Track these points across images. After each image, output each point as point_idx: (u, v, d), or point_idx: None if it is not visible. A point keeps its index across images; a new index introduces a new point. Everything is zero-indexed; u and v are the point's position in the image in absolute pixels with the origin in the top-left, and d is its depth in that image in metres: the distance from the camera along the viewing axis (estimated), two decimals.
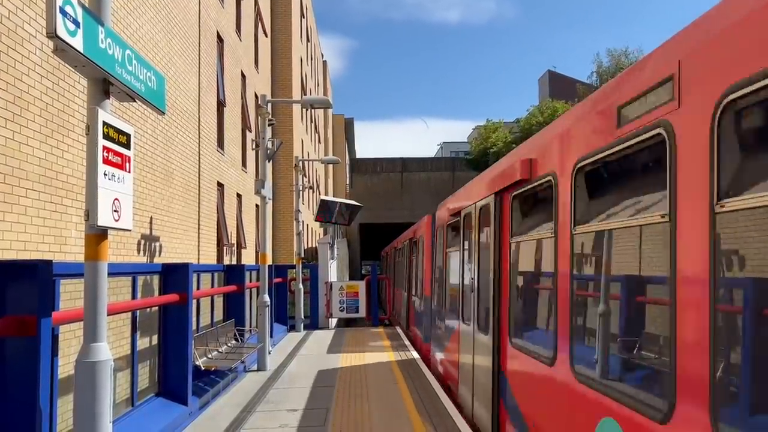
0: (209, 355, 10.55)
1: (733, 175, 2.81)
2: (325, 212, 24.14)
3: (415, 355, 14.27)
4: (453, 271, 9.93)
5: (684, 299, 3.11)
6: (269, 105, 13.79)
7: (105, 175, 4.70)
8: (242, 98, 18.61)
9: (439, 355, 11.23)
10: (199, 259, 13.30)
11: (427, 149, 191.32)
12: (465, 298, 8.57)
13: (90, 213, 4.62)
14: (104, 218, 4.69)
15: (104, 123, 4.72)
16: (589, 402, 4.14)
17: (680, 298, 3.12)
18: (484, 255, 7.36)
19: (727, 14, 2.88)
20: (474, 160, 47.53)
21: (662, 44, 3.56)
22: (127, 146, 5.07)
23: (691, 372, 2.99)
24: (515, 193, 6.12)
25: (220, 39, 15.97)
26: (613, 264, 4.08)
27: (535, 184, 5.50)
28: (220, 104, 15.86)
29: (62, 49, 4.27)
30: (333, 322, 22.48)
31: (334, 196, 41.77)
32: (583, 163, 4.36)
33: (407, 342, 16.75)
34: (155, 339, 8.46)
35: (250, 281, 14.56)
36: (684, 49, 3.20)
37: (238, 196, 18.05)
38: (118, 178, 4.91)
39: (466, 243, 8.62)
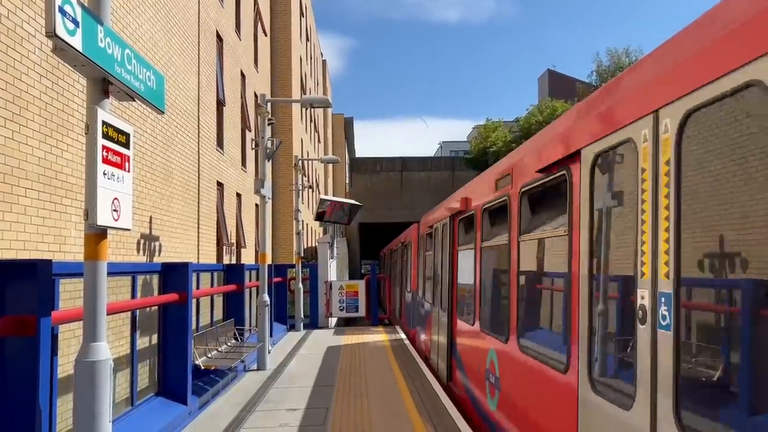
0: (209, 355, 10.55)
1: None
2: (325, 212, 24.15)
3: (412, 351, 14.30)
4: (428, 269, 13.18)
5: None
6: (269, 104, 13.79)
7: (104, 174, 4.70)
8: (242, 98, 18.60)
9: (420, 334, 14.08)
10: (198, 258, 13.30)
11: (427, 148, 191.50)
12: (435, 289, 12.04)
13: (89, 212, 4.61)
14: (104, 218, 4.69)
15: (104, 122, 4.72)
16: (486, 342, 7.48)
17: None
18: (445, 258, 10.69)
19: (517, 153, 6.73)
20: (474, 159, 47.53)
21: (505, 158, 7.41)
22: (127, 146, 5.06)
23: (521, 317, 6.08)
24: (459, 218, 9.53)
25: (219, 38, 15.97)
26: (494, 264, 7.59)
27: (469, 213, 8.78)
28: (220, 103, 15.85)
29: (61, 49, 4.27)
30: (333, 321, 22.49)
31: (333, 196, 41.77)
32: (485, 206, 7.74)
33: (405, 338, 16.75)
34: (155, 338, 8.46)
35: (250, 281, 14.56)
36: (514, 162, 6.47)
37: (238, 195, 18.05)
38: (118, 178, 4.91)
39: (436, 248, 11.88)
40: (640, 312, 3.50)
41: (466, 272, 9.20)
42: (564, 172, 4.79)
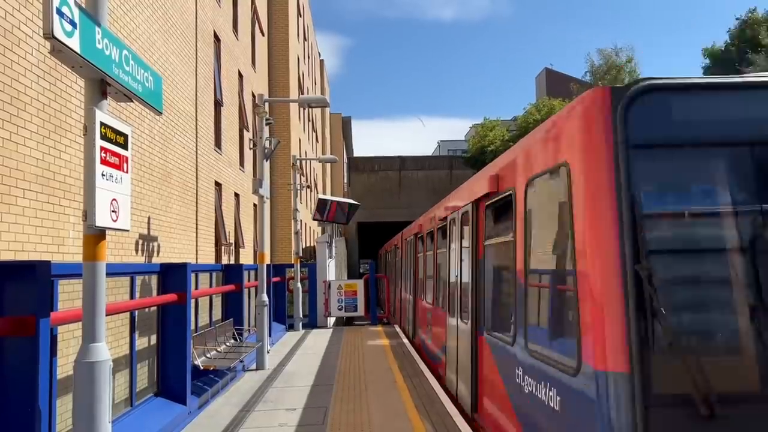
0: (208, 355, 10.56)
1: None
2: (323, 211, 24.14)
3: (411, 350, 14.31)
4: (443, 269, 16.52)
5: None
6: (266, 104, 13.78)
7: (103, 175, 4.71)
8: (239, 98, 18.60)
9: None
10: (197, 258, 13.30)
11: (425, 147, 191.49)
12: (416, 282, 15.44)
13: (88, 213, 4.62)
14: (102, 219, 4.70)
15: (102, 123, 4.72)
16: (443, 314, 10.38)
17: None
18: (420, 260, 14.67)
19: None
20: (471, 158, 47.47)
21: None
22: (125, 146, 5.07)
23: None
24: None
25: (217, 38, 15.96)
26: (441, 265, 10.77)
27: (441, 226, 11.14)
28: (218, 104, 15.85)
29: (59, 50, 4.28)
30: (331, 320, 22.50)
31: (332, 195, 41.77)
32: (441, 225, 10.68)
33: (404, 337, 16.77)
34: (154, 339, 8.47)
35: (249, 280, 14.56)
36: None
37: (236, 195, 18.05)
38: (116, 179, 4.92)
39: (418, 253, 15.26)
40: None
41: (437, 271, 11.42)
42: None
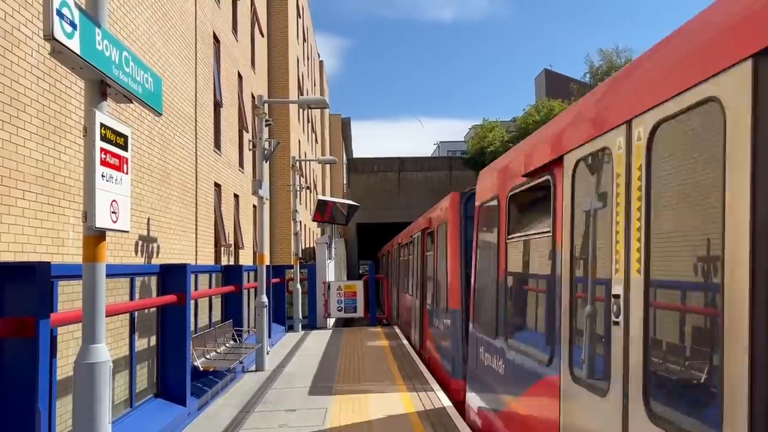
0: (207, 356, 10.56)
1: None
2: (323, 212, 24.15)
3: (410, 351, 14.33)
4: (403, 269, 18.96)
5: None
6: (266, 105, 13.79)
7: (103, 176, 4.71)
8: (239, 99, 18.60)
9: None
10: (196, 259, 13.30)
11: (424, 148, 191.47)
12: (409, 281, 17.19)
13: (88, 214, 4.63)
14: (102, 220, 4.70)
15: (102, 125, 4.73)
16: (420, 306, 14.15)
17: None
18: (411, 262, 16.36)
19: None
20: (471, 159, 47.52)
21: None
22: (125, 148, 5.08)
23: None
24: (425, 232, 13.92)
25: (216, 39, 15.97)
26: (417, 261, 15.37)
27: (431, 230, 13.21)
28: (217, 105, 15.85)
29: (59, 51, 4.28)
30: (331, 321, 22.49)
31: (331, 196, 41.77)
32: (430, 229, 13.26)
33: (403, 338, 16.77)
34: (153, 340, 8.47)
35: (248, 282, 14.56)
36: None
37: (236, 196, 18.05)
38: (116, 180, 4.92)
39: (407, 256, 17.51)
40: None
41: (423, 271, 14.56)
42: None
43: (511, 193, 5.87)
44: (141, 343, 7.99)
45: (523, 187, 5.57)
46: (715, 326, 2.67)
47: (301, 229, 21.93)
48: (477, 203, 7.57)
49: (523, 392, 5.31)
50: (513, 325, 5.90)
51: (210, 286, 11.95)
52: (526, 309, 5.92)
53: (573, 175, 4.33)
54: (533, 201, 5.60)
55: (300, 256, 20.90)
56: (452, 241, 10.92)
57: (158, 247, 10.77)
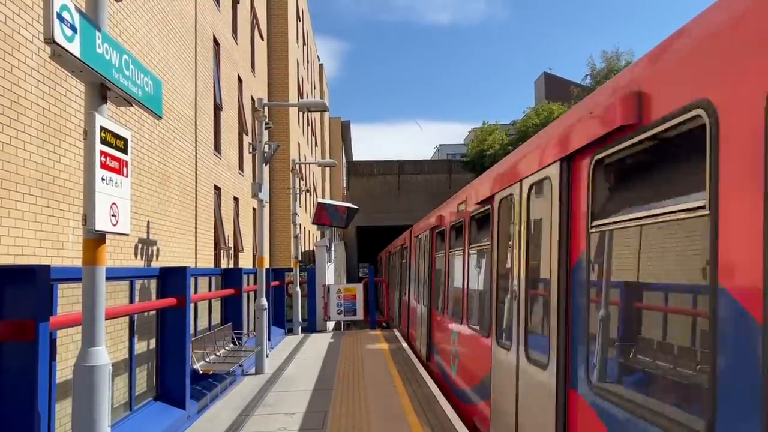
0: (207, 359, 10.55)
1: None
2: (322, 215, 24.15)
3: (410, 354, 14.31)
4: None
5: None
6: (266, 108, 13.80)
7: (103, 179, 4.71)
8: (239, 102, 18.62)
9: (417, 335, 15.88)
10: (196, 262, 13.30)
11: (424, 152, 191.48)
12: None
13: (88, 217, 4.62)
14: (102, 223, 4.70)
15: (102, 128, 4.73)
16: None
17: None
18: (415, 265, 15.18)
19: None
20: (471, 162, 47.55)
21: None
22: (125, 151, 5.08)
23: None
24: (417, 237, 13.39)
25: (216, 43, 15.99)
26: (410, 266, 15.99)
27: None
28: (217, 108, 15.86)
29: (59, 55, 4.28)
30: (331, 324, 22.47)
31: (331, 199, 41.76)
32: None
33: (403, 341, 16.75)
34: (153, 343, 8.46)
35: (248, 285, 14.55)
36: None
37: (235, 199, 18.05)
38: (116, 183, 4.92)
39: (396, 262, 18.57)
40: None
41: (416, 273, 15.30)
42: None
43: (472, 215, 8.31)
44: (140, 346, 7.98)
45: (477, 212, 8.00)
46: (547, 306, 4.87)
47: (300, 232, 21.93)
48: (448, 223, 10.28)
49: (473, 353, 8.08)
50: (470, 311, 8.50)
51: (210, 289, 11.95)
52: (477, 298, 8.13)
53: (499, 207, 6.69)
54: (484, 221, 7.78)
55: (300, 259, 20.88)
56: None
57: (158, 250, 10.77)
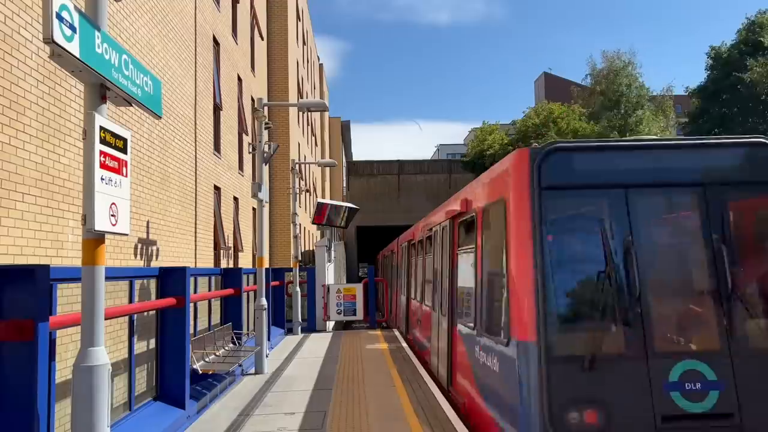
0: (207, 359, 10.54)
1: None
2: (322, 215, 24.15)
3: (410, 354, 14.31)
4: (415, 273, 19.43)
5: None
6: (266, 108, 13.79)
7: (102, 179, 4.71)
8: (239, 102, 18.61)
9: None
10: (196, 262, 13.29)
11: (424, 151, 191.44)
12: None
13: (87, 217, 4.62)
14: (101, 223, 4.70)
15: (101, 128, 4.73)
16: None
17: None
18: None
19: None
20: (471, 162, 47.51)
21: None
22: (124, 151, 5.07)
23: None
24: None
25: (216, 42, 15.98)
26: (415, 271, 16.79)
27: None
28: (217, 108, 15.86)
29: (59, 55, 4.28)
30: (330, 324, 22.48)
31: (331, 199, 41.76)
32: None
33: (403, 341, 16.75)
34: (153, 343, 8.46)
35: (248, 284, 14.55)
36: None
37: (235, 199, 18.05)
38: (116, 183, 4.92)
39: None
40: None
41: (407, 275, 18.28)
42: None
43: (426, 235, 13.20)
44: (140, 346, 7.98)
45: (425, 235, 13.02)
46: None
47: (300, 232, 21.93)
48: (417, 238, 15.21)
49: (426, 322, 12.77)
50: (429, 294, 12.57)
51: (209, 289, 11.94)
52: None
53: (434, 235, 11.63)
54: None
55: (299, 259, 20.88)
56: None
57: (158, 250, 10.76)
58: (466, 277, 8.83)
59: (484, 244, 7.78)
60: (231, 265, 16.85)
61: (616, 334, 6.11)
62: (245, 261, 18.71)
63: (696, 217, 6.42)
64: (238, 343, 12.71)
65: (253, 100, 20.04)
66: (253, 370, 12.65)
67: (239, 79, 18.89)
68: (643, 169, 6.43)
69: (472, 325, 7.99)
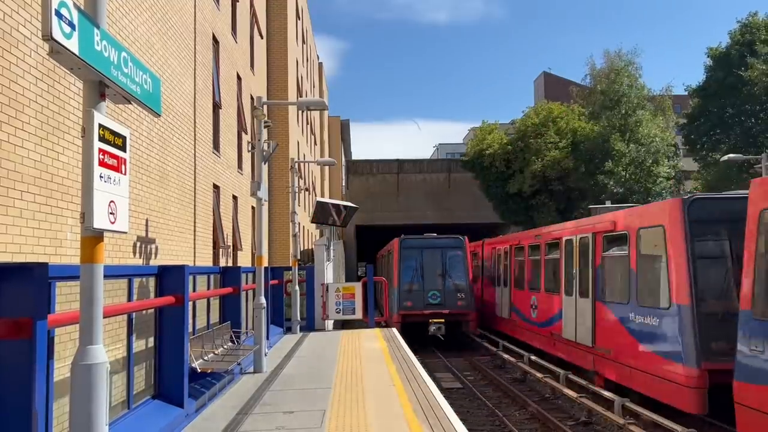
0: (205, 357, 10.53)
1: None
2: (321, 214, 24.13)
3: (409, 353, 14.31)
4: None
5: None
6: (265, 107, 13.78)
7: (101, 177, 4.70)
8: (238, 100, 18.59)
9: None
10: (194, 261, 13.28)
11: (423, 151, 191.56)
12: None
13: (86, 215, 4.61)
14: (100, 221, 4.69)
15: (100, 125, 4.72)
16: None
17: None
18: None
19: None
20: (470, 161, 47.47)
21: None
22: (123, 148, 5.06)
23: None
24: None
25: (215, 41, 15.96)
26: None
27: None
28: (216, 106, 15.84)
29: (58, 52, 4.27)
30: (329, 323, 22.47)
31: (330, 198, 41.75)
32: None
33: (400, 338, 16.75)
34: (151, 341, 8.45)
35: (247, 283, 14.54)
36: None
37: (234, 198, 18.03)
38: (114, 181, 4.91)
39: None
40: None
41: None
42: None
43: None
44: (139, 345, 7.97)
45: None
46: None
47: (299, 231, 21.91)
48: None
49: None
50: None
51: (208, 288, 11.93)
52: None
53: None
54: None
55: (298, 257, 20.87)
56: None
57: (156, 248, 10.75)
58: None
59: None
60: (230, 264, 16.83)
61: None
62: (244, 260, 18.70)
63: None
64: (237, 341, 12.70)
65: (252, 98, 20.02)
66: (251, 369, 12.65)
67: (239, 77, 18.87)
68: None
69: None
